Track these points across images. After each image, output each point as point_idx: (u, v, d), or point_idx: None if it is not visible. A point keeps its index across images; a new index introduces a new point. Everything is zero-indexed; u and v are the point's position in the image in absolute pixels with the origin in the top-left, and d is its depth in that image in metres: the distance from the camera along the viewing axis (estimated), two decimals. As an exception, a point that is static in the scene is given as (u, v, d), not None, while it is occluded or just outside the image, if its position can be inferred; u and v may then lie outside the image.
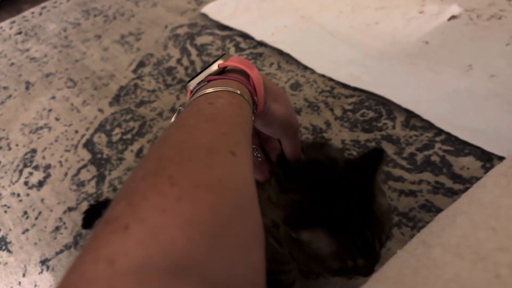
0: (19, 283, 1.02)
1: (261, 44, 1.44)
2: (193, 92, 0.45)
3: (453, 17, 1.31)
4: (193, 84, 0.46)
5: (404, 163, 0.99)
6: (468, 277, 0.25)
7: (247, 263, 0.29)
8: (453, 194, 0.91)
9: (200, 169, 0.30)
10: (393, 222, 0.60)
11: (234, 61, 0.47)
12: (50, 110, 1.45)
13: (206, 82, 0.45)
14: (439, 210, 0.88)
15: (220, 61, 0.47)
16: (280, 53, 1.38)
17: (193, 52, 1.50)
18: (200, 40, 1.55)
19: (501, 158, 0.94)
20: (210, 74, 0.46)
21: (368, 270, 0.54)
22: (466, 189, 0.91)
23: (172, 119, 0.41)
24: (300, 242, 0.54)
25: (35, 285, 1.00)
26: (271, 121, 0.49)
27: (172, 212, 0.27)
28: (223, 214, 0.28)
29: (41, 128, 1.39)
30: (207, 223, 0.27)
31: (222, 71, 0.47)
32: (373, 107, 1.14)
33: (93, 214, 1.06)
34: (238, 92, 0.41)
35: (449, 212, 0.32)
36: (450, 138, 1.01)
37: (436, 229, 0.31)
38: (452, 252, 0.27)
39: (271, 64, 1.36)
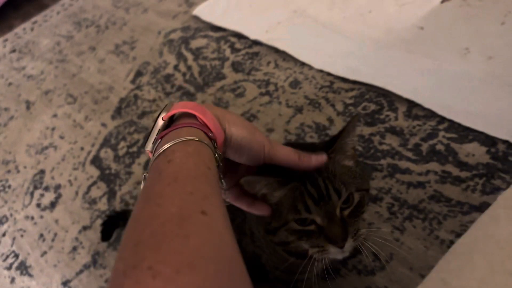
0: (44, 306, 1.04)
1: (256, 43, 1.44)
2: (153, 153, 0.45)
3: (446, 0, 1.30)
4: (149, 145, 0.47)
5: (409, 154, 1.00)
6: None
7: None
8: (461, 182, 0.91)
9: (177, 246, 0.30)
10: (362, 184, 0.56)
11: (177, 107, 0.48)
12: (53, 129, 1.46)
13: (159, 140, 0.45)
14: (448, 200, 0.90)
15: (163, 114, 0.47)
16: (276, 51, 1.38)
17: (189, 56, 1.50)
18: (194, 43, 1.55)
19: (505, 142, 0.94)
20: (160, 130, 0.47)
21: (335, 235, 0.51)
22: (473, 176, 0.92)
23: (141, 185, 0.42)
24: (262, 197, 0.55)
25: (60, 307, 1.02)
26: (239, 147, 0.49)
27: None
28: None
29: (47, 147, 1.40)
30: None
31: (170, 121, 0.48)
32: (374, 99, 1.14)
33: (111, 225, 1.08)
34: (192, 138, 0.42)
35: (465, 247, 0.33)
36: (453, 125, 1.01)
37: (454, 267, 0.32)
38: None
39: (268, 63, 1.36)
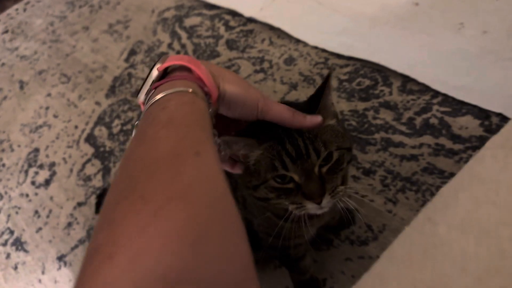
0: (40, 280, 1.04)
1: (251, 20, 1.43)
2: (145, 104, 0.45)
3: (441, -25, 1.29)
4: (141, 96, 0.46)
5: (403, 128, 1.00)
6: (474, 252, 0.26)
7: (235, 260, 0.30)
8: (454, 154, 0.92)
9: (169, 179, 0.30)
10: (348, 140, 0.57)
11: (172, 59, 0.47)
12: (47, 108, 1.45)
13: (153, 90, 0.45)
14: (441, 172, 0.90)
15: (158, 65, 0.47)
16: (271, 28, 1.37)
17: (183, 35, 1.49)
18: (188, 22, 1.53)
19: (498, 115, 0.95)
20: (154, 81, 0.46)
21: (312, 192, 0.51)
22: (466, 148, 0.92)
23: (132, 135, 0.41)
24: (246, 164, 0.55)
25: (55, 281, 1.03)
26: (232, 103, 0.49)
27: (151, 231, 0.27)
28: (201, 221, 0.29)
29: (41, 126, 1.40)
30: (187, 234, 0.27)
31: (164, 74, 0.47)
32: (369, 75, 1.14)
33: None
34: (186, 89, 0.42)
35: (451, 188, 0.33)
36: (447, 99, 1.01)
37: (440, 206, 0.32)
38: (458, 229, 0.28)
39: (263, 40, 1.35)
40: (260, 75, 1.26)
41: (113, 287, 0.24)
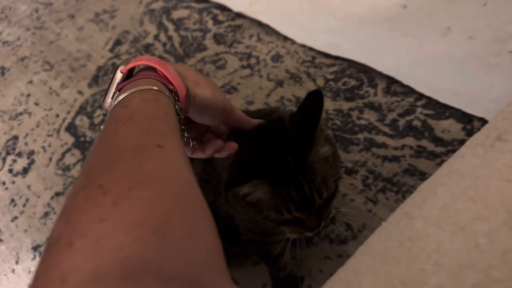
0: (13, 270, 1.02)
1: (239, 15, 1.42)
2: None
3: (430, -21, 1.30)
4: (107, 100, 0.46)
5: (386, 129, 1.00)
6: (449, 247, 0.26)
7: (200, 248, 0.29)
8: (435, 157, 0.92)
9: (129, 170, 0.30)
10: (338, 175, 0.60)
11: (135, 60, 0.46)
12: (28, 95, 1.42)
13: (117, 92, 0.44)
14: (422, 174, 0.91)
15: (121, 67, 0.46)
16: (259, 24, 1.36)
17: (170, 27, 1.47)
18: (176, 14, 1.52)
19: (481, 119, 0.96)
20: (119, 83, 0.45)
21: (312, 225, 0.56)
22: (448, 151, 0.93)
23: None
24: (242, 197, 0.56)
25: (29, 271, 1.01)
26: (202, 107, 0.49)
27: (111, 218, 0.26)
28: (164, 208, 0.28)
29: (21, 114, 1.37)
30: (149, 220, 0.27)
31: (129, 75, 0.47)
32: (355, 75, 1.14)
33: None
34: (149, 87, 0.41)
35: (430, 183, 0.33)
36: (431, 102, 1.02)
37: (418, 201, 0.32)
38: (434, 224, 0.28)
39: (251, 36, 1.34)
40: (247, 71, 1.25)
41: (73, 274, 0.24)
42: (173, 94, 0.44)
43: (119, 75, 0.46)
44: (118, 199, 0.27)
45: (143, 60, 0.46)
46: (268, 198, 0.54)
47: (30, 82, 1.47)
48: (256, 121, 0.58)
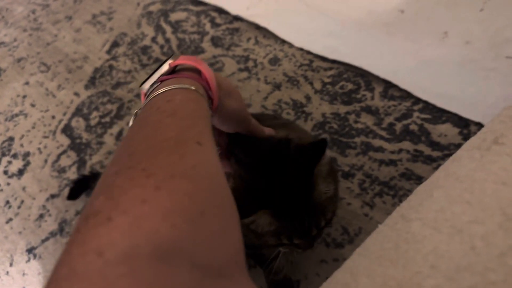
0: (7, 272, 1.01)
1: (237, 18, 1.42)
2: (147, 95, 0.45)
3: (427, -16, 1.30)
4: (146, 86, 0.46)
5: (383, 133, 1.00)
6: (446, 249, 0.26)
7: (228, 244, 0.31)
8: (432, 161, 0.92)
9: (172, 159, 0.31)
10: (336, 205, 0.63)
11: (184, 59, 0.47)
12: (24, 96, 1.41)
13: (159, 83, 0.45)
14: (419, 178, 0.90)
15: (170, 61, 0.47)
16: (257, 27, 1.36)
17: (168, 29, 1.47)
18: (174, 16, 1.52)
19: (477, 124, 0.96)
20: (162, 75, 0.46)
21: (305, 246, 0.59)
22: (445, 156, 0.93)
23: (130, 122, 0.41)
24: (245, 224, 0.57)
25: (24, 274, 1.00)
26: (226, 117, 0.51)
27: (152, 202, 0.27)
28: (201, 200, 0.29)
29: (17, 115, 1.36)
30: (187, 210, 0.28)
31: (173, 71, 0.47)
32: (352, 79, 1.14)
33: (81, 186, 1.06)
34: (193, 88, 0.42)
35: (427, 186, 0.33)
36: (428, 107, 1.02)
37: (415, 204, 0.32)
38: (430, 226, 0.28)
39: (249, 39, 1.34)
40: (244, 74, 1.25)
41: (110, 248, 0.24)
42: (210, 101, 0.46)
43: (165, 67, 0.46)
44: (161, 184, 0.28)
45: (191, 61, 0.47)
46: (271, 229, 0.56)
47: (27, 83, 1.46)
48: (268, 130, 0.61)
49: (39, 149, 1.24)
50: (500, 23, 1.10)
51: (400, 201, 0.88)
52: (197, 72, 0.46)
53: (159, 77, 0.46)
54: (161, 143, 0.33)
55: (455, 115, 0.98)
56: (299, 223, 0.55)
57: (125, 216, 0.26)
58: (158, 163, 0.30)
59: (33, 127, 1.30)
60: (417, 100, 1.04)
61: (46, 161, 1.20)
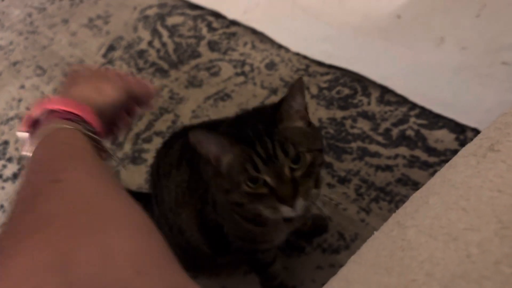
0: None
1: (234, 23, 1.42)
2: None
3: (424, -10, 1.31)
4: None
5: (380, 138, 1.00)
6: (441, 257, 0.26)
7: (117, 262, 0.27)
8: (429, 167, 0.92)
9: (18, 219, 0.30)
10: (319, 155, 0.56)
11: (28, 116, 0.46)
12: (20, 100, 1.41)
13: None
14: (415, 184, 0.90)
15: (19, 128, 0.47)
16: (254, 32, 1.36)
17: (165, 33, 1.47)
18: (171, 20, 1.52)
19: (474, 130, 0.96)
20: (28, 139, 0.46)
21: (285, 195, 0.51)
22: (441, 161, 0.93)
23: None
24: (218, 167, 0.55)
25: (16, 279, 0.99)
26: (101, 111, 0.50)
27: (6, 275, 0.25)
28: (62, 245, 0.27)
29: (12, 119, 1.35)
30: (47, 264, 0.25)
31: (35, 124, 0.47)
32: (348, 84, 1.14)
33: None
34: (47, 131, 0.42)
35: (422, 193, 0.33)
36: (424, 112, 1.02)
37: (410, 210, 0.32)
38: (426, 233, 0.28)
39: (245, 44, 1.34)
40: (241, 78, 1.25)
41: None
42: (78, 118, 0.45)
43: (20, 135, 0.46)
44: (11, 253, 0.26)
45: (36, 110, 0.46)
46: (235, 158, 0.53)
47: (22, 87, 1.45)
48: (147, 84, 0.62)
49: (34, 153, 1.23)
50: (495, 30, 1.11)
51: (397, 207, 0.88)
52: (53, 111, 0.46)
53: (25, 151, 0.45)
54: (14, 209, 0.32)
55: (452, 120, 0.98)
56: (262, 144, 0.52)
57: None
58: (9, 233, 0.28)
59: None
60: (414, 106, 1.04)
61: (41, 165, 1.19)
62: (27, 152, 0.42)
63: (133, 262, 0.27)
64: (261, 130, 0.53)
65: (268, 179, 0.51)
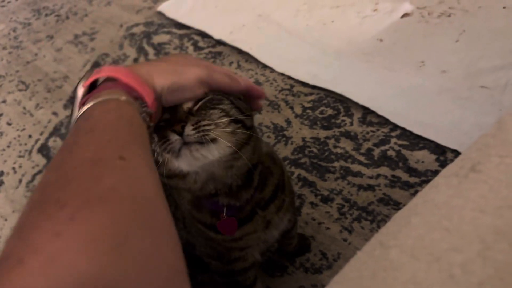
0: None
1: (220, 43, 1.43)
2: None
3: (405, 15, 1.35)
4: (74, 121, 0.43)
5: (362, 158, 1.01)
6: (424, 277, 0.26)
7: (161, 267, 0.28)
8: (409, 187, 0.94)
9: (87, 184, 0.29)
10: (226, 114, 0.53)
11: (96, 73, 0.44)
12: (1, 115, 1.39)
13: (79, 108, 0.42)
14: (396, 203, 0.91)
15: (82, 82, 0.44)
16: (239, 51, 1.38)
17: (150, 51, 1.47)
18: (157, 39, 1.52)
19: (454, 151, 0.98)
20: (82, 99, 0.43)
21: (174, 120, 0.49)
22: (422, 182, 0.94)
23: None
24: None
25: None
26: (170, 93, 0.46)
27: (66, 234, 0.25)
28: (122, 225, 0.27)
29: (-8, 133, 1.33)
30: (106, 238, 0.26)
31: (92, 88, 0.44)
32: (332, 104, 1.16)
33: None
34: (110, 97, 0.39)
35: (405, 213, 0.33)
36: (405, 133, 1.04)
37: (393, 230, 0.32)
38: (408, 254, 0.28)
39: (231, 63, 1.36)
40: (225, 97, 1.25)
41: None
42: (138, 100, 0.42)
43: (80, 91, 0.43)
44: (75, 213, 0.26)
45: (104, 72, 0.43)
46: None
47: (4, 101, 1.44)
48: (244, 80, 0.54)
49: (13, 168, 1.21)
50: (474, 54, 1.14)
51: (378, 227, 0.89)
52: (116, 79, 0.42)
53: (78, 105, 0.42)
54: (75, 169, 0.30)
55: (432, 142, 1.00)
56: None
57: (37, 255, 0.24)
58: (71, 191, 0.28)
59: (9, 146, 1.28)
60: (395, 127, 1.06)
61: (20, 181, 1.17)
62: (85, 106, 0.38)
63: (168, 271, 0.29)
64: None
65: (167, 115, 0.49)
